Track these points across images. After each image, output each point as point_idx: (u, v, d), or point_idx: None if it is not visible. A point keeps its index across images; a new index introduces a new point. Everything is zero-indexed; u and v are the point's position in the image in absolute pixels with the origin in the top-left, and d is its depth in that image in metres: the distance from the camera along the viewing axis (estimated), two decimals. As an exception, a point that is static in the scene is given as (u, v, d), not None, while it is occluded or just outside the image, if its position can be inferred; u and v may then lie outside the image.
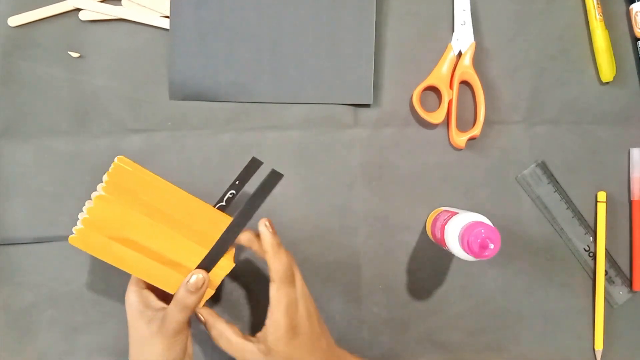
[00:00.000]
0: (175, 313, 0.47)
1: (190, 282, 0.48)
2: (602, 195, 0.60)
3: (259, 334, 0.48)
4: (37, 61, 0.61)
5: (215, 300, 0.60)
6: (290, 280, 0.48)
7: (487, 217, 0.51)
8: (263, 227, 0.49)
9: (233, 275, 0.55)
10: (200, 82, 0.60)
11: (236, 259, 0.56)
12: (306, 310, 0.48)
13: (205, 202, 0.53)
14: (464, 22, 0.59)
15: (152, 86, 0.61)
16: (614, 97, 0.61)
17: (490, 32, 0.61)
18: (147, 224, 0.49)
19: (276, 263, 0.48)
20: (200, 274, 0.48)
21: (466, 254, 0.49)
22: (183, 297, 0.48)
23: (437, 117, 0.59)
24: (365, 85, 0.60)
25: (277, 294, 0.47)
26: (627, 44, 0.61)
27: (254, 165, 0.51)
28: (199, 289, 0.48)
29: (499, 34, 0.61)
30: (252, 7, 0.60)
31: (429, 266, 0.60)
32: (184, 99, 0.61)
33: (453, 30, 0.60)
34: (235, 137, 0.61)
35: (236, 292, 0.60)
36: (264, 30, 0.60)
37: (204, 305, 0.50)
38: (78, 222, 0.48)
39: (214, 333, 0.49)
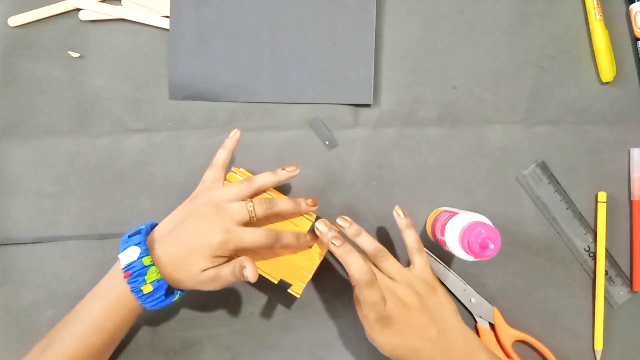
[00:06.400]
0: (225, 269, 0.50)
1: (243, 271, 0.50)
2: (602, 196, 0.60)
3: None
4: (37, 61, 0.61)
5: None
6: (421, 249, 0.54)
7: (487, 217, 0.51)
8: (395, 213, 0.55)
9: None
10: (200, 82, 0.60)
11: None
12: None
13: None
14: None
15: (152, 86, 0.61)
16: (614, 97, 0.61)
17: (490, 32, 0.61)
18: None
19: (409, 238, 0.54)
20: (250, 272, 0.50)
21: (466, 254, 0.49)
22: (236, 270, 0.50)
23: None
24: (365, 85, 0.60)
25: (417, 258, 0.53)
26: (627, 44, 0.61)
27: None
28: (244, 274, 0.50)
29: (499, 34, 0.61)
30: (252, 7, 0.60)
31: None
32: (184, 99, 0.61)
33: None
34: (235, 137, 0.61)
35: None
36: (264, 30, 0.60)
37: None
38: None
39: (389, 262, 0.53)
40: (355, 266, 0.49)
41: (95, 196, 0.61)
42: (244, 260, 0.49)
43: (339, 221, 0.53)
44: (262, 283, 0.58)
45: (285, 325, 0.60)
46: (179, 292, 0.52)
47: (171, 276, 0.50)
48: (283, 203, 0.53)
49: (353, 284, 0.50)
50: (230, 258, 0.51)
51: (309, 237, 0.54)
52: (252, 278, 0.48)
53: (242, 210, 0.51)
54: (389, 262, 0.53)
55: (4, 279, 0.60)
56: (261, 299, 0.60)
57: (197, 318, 0.60)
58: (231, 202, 0.51)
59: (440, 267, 0.59)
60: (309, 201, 0.55)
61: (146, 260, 0.49)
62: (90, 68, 0.61)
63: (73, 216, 0.61)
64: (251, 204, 0.51)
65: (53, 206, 0.60)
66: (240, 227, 0.50)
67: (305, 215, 0.55)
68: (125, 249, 0.50)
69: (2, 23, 0.60)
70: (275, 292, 0.60)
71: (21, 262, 0.60)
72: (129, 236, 0.51)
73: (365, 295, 0.49)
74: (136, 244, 0.50)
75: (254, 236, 0.50)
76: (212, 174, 0.54)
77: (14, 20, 0.60)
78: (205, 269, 0.50)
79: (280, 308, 0.60)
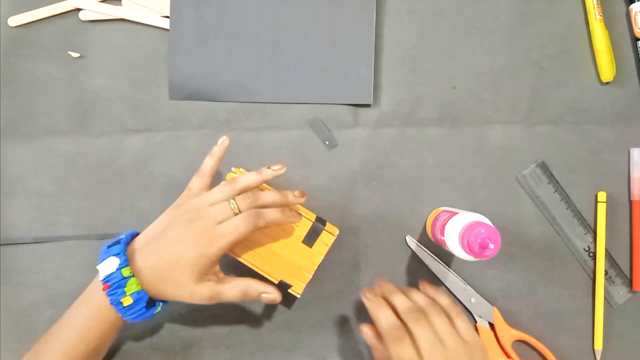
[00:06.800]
0: (229, 292, 0.50)
1: (264, 295, 0.51)
2: (602, 196, 0.60)
3: None
4: (37, 61, 0.61)
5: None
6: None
7: (487, 217, 0.51)
8: (364, 298, 0.51)
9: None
10: (200, 82, 0.60)
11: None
12: None
13: None
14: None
15: (152, 86, 0.61)
16: (614, 97, 0.61)
17: (490, 32, 0.61)
18: None
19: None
20: (273, 295, 0.51)
21: (466, 254, 0.49)
22: (251, 295, 0.50)
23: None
24: (365, 85, 0.60)
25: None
26: (627, 44, 0.61)
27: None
28: (265, 300, 0.51)
29: (499, 34, 0.61)
30: (252, 7, 0.60)
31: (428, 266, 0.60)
32: (184, 99, 0.61)
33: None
34: (235, 137, 0.61)
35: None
36: (264, 30, 0.60)
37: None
38: None
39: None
40: (384, 320, 0.47)
41: (95, 196, 0.61)
42: (254, 283, 0.50)
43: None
44: (262, 283, 0.58)
45: (285, 325, 0.60)
46: (161, 303, 0.50)
47: (154, 287, 0.48)
48: (268, 195, 0.51)
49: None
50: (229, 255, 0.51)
51: (294, 211, 0.52)
52: (279, 298, 0.50)
53: (223, 209, 0.49)
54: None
55: (4, 279, 0.60)
56: (261, 299, 0.60)
57: (197, 318, 0.60)
58: (213, 205, 0.50)
59: (440, 267, 0.59)
60: (297, 192, 0.52)
61: (125, 272, 0.47)
62: (90, 68, 0.61)
63: (73, 216, 0.61)
64: (234, 201, 0.49)
65: (53, 206, 0.60)
66: (217, 225, 0.48)
67: (304, 215, 0.55)
68: (103, 259, 0.48)
69: (2, 23, 0.60)
70: (275, 292, 0.60)
71: (21, 262, 0.60)
72: (108, 247, 0.49)
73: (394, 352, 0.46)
74: (115, 255, 0.48)
75: (233, 225, 0.48)
76: (198, 182, 0.52)
77: (14, 20, 0.60)
78: (200, 281, 0.48)
79: (280, 308, 0.60)
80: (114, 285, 0.47)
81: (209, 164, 0.53)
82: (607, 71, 0.59)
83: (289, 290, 0.54)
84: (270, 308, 0.60)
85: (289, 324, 0.60)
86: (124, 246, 0.49)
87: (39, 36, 0.61)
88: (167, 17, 0.60)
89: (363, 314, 0.60)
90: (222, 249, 0.48)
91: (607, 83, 0.61)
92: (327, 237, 0.55)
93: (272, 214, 0.50)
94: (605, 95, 0.61)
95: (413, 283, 0.60)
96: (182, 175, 0.61)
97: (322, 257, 0.55)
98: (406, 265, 0.60)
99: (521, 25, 0.61)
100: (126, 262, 0.48)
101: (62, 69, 0.61)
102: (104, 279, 0.47)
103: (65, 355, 0.48)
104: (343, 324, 0.60)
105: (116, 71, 0.61)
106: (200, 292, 0.49)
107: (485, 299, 0.60)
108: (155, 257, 0.48)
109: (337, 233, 0.56)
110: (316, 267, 0.54)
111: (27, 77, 0.61)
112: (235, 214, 0.49)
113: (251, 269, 0.54)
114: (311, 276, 0.54)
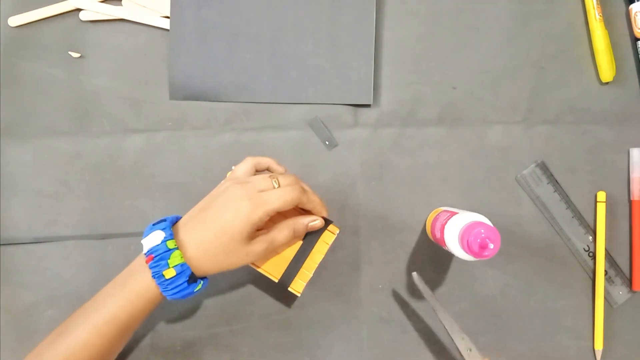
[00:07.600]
0: (280, 235, 0.52)
1: (312, 224, 0.53)
2: (601, 195, 0.60)
3: None
4: (38, 61, 0.61)
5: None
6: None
7: (487, 217, 0.51)
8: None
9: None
10: (200, 82, 0.60)
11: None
12: None
13: None
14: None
15: (152, 86, 0.61)
16: (614, 97, 0.61)
17: (490, 32, 0.61)
18: None
19: None
20: (319, 221, 0.54)
21: (466, 254, 0.49)
22: (299, 229, 0.53)
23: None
24: (365, 86, 0.60)
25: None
26: (627, 44, 0.61)
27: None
28: (310, 229, 0.54)
29: (498, 34, 0.61)
30: (252, 7, 0.60)
31: (429, 266, 0.60)
32: (184, 99, 0.61)
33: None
34: (235, 137, 0.61)
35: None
36: (264, 30, 0.60)
37: None
38: None
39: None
40: None
41: (95, 196, 0.61)
42: (296, 220, 0.52)
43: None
44: (262, 283, 0.58)
45: (285, 325, 0.60)
46: (201, 282, 0.50)
47: (200, 260, 0.49)
48: (308, 186, 0.53)
49: None
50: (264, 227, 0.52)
51: (324, 208, 0.54)
52: (321, 224, 0.53)
53: (265, 180, 0.50)
54: None
55: (4, 279, 0.60)
56: (261, 298, 0.60)
57: (197, 318, 0.60)
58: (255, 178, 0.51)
59: (442, 310, 0.55)
60: (324, 210, 0.54)
61: (170, 244, 0.48)
62: (90, 68, 0.61)
63: (73, 216, 0.61)
64: (275, 178, 0.50)
65: (53, 206, 0.60)
66: (260, 193, 0.49)
67: (329, 229, 0.55)
68: (148, 234, 0.49)
69: (2, 23, 0.61)
70: (276, 292, 0.60)
71: (21, 262, 0.60)
72: (153, 224, 0.50)
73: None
74: (161, 229, 0.49)
75: (278, 193, 0.49)
76: (242, 167, 0.53)
77: (14, 20, 0.60)
78: (250, 241, 0.49)
79: (280, 307, 0.60)
80: (158, 257, 0.47)
81: (260, 158, 0.55)
82: (607, 71, 0.59)
83: (289, 289, 0.54)
84: (270, 308, 0.60)
85: (289, 324, 0.60)
86: (169, 223, 0.50)
87: (39, 36, 0.61)
88: (167, 17, 0.60)
89: (362, 314, 0.60)
90: (267, 214, 0.49)
91: (607, 83, 0.61)
92: (328, 236, 0.55)
93: (314, 197, 0.52)
94: (605, 95, 0.61)
95: (413, 283, 0.60)
96: (182, 175, 0.61)
97: (323, 256, 0.55)
98: (406, 265, 0.60)
99: (521, 25, 0.61)
100: (171, 235, 0.48)
101: (62, 69, 0.61)
102: (148, 251, 0.48)
103: (96, 332, 0.48)
104: (343, 324, 0.60)
105: (116, 71, 0.61)
106: (255, 250, 0.50)
107: (485, 299, 0.60)
108: (201, 231, 0.49)
109: (338, 232, 0.56)
110: (317, 266, 0.54)
111: (27, 77, 0.61)
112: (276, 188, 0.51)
113: (250, 267, 0.54)
114: (312, 274, 0.54)
